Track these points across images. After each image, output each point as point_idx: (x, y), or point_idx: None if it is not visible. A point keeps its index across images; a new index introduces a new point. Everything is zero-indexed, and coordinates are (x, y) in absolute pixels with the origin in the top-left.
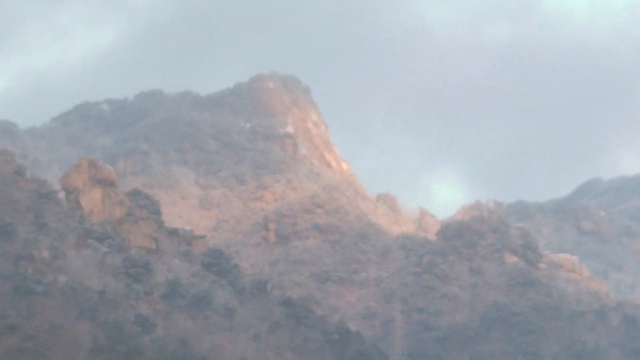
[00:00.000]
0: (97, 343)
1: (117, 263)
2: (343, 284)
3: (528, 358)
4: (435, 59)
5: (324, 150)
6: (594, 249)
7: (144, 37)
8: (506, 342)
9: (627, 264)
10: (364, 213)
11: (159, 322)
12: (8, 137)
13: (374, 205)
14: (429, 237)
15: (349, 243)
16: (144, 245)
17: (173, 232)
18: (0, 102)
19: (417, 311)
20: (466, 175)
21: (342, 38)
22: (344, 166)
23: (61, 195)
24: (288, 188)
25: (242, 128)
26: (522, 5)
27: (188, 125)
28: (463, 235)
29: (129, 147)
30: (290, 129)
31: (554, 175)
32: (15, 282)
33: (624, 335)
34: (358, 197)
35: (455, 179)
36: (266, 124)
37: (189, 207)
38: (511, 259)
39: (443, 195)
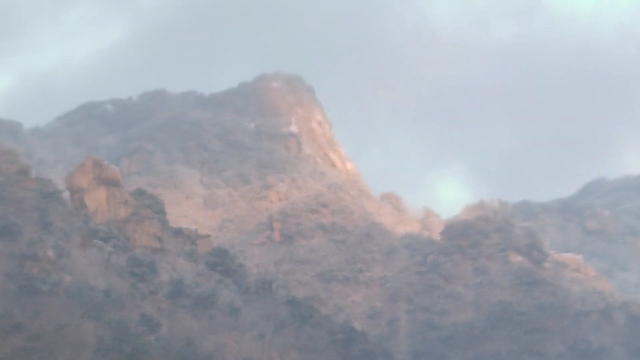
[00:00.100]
0: (102, 342)
1: (122, 262)
2: (348, 283)
3: (533, 357)
4: (439, 58)
5: (329, 149)
6: (598, 249)
7: (148, 37)
8: (511, 341)
9: (632, 263)
10: (369, 212)
11: (164, 321)
12: (12, 137)
13: (379, 204)
14: (434, 236)
15: (353, 242)
16: (148, 244)
17: (178, 232)
18: (4, 102)
19: (422, 310)
20: (471, 175)
21: (346, 37)
22: (349, 166)
23: (66, 194)
24: (292, 187)
25: (246, 127)
26: (526, 5)
27: (192, 124)
28: (468, 235)
29: (133, 147)
30: (294, 129)
31: (559, 174)
32: (20, 281)
33: (629, 334)
34: (363, 196)
35: (460, 178)
36: (270, 124)
37: (194, 206)
38: (516, 259)
39: (448, 195)
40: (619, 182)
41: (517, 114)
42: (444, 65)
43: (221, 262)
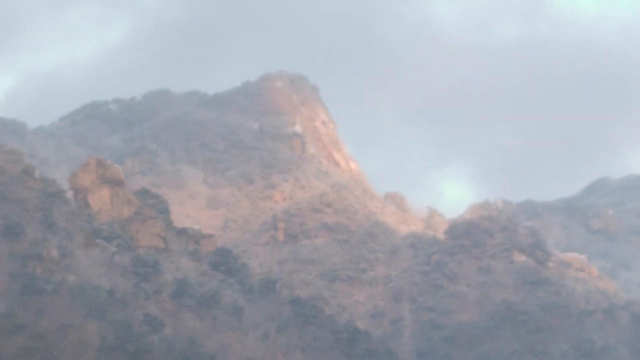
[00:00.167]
0: (106, 342)
1: (125, 262)
2: (352, 283)
3: (537, 357)
4: (443, 58)
5: (332, 149)
6: (602, 248)
7: (152, 36)
8: (515, 340)
9: (635, 262)
10: (373, 212)
11: (168, 321)
12: (16, 137)
13: (383, 204)
14: (438, 236)
15: (357, 242)
16: (152, 244)
17: (181, 231)
18: (8, 102)
19: (426, 310)
20: (474, 174)
21: (350, 37)
22: (353, 165)
23: (69, 194)
24: (296, 187)
25: (250, 127)
26: (529, 5)
27: (196, 124)
28: (471, 234)
29: (136, 147)
30: (298, 128)
31: (563, 174)
32: (24, 281)
33: (632, 333)
34: (366, 196)
35: (464, 178)
36: (274, 123)
37: (197, 206)
38: (520, 258)
39: (451, 194)
40: (622, 181)
41: (520, 113)
42: (448, 65)
43: (225, 262)
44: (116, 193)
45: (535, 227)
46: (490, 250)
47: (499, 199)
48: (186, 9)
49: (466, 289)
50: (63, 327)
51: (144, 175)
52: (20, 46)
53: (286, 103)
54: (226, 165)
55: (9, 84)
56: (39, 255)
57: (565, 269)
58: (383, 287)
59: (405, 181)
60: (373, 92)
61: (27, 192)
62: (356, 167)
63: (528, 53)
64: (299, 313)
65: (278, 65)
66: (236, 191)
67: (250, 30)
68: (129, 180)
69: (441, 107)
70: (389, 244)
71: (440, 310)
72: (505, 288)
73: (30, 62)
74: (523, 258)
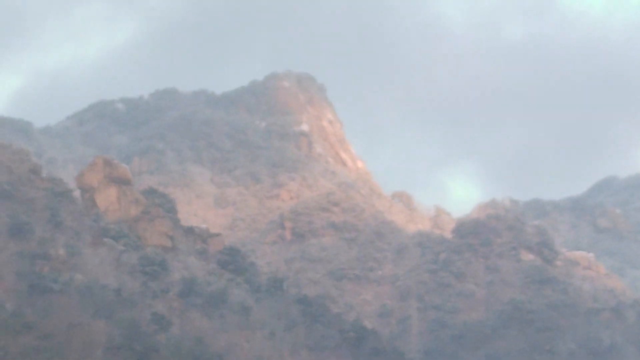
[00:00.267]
0: (113, 341)
1: (133, 261)
2: (359, 281)
3: (544, 355)
4: (450, 57)
5: (339, 148)
6: (610, 247)
7: (159, 35)
8: (522, 339)
9: None
10: (380, 211)
11: (175, 320)
12: (23, 136)
13: (390, 203)
14: (445, 234)
15: (364, 241)
16: (159, 243)
17: (189, 231)
18: (15, 101)
19: (433, 309)
20: (482, 173)
21: (357, 36)
22: (360, 164)
23: (77, 193)
24: (303, 186)
25: (257, 126)
26: (537, 4)
27: (203, 123)
28: (479, 233)
29: (144, 146)
30: (305, 127)
31: (570, 172)
32: (32, 280)
33: None
34: (374, 195)
35: (471, 176)
36: (281, 123)
37: (205, 205)
38: (527, 257)
39: (459, 193)
40: (629, 180)
41: (527, 112)
42: (454, 64)
43: (232, 261)
44: (123, 192)
45: (542, 225)
46: (497, 249)
47: (506, 198)
48: (193, 8)
49: (473, 288)
50: (71, 326)
51: (151, 174)
52: (27, 46)
53: (293, 102)
54: (233, 165)
55: (16, 83)
56: (46, 255)
57: (572, 268)
58: (390, 285)
59: (412, 180)
60: (380, 91)
61: (34, 192)
62: (363, 166)
63: (535, 52)
64: (306, 312)
65: (285, 65)
66: (243, 190)
67: (258, 30)
68: (136, 179)
69: (448, 106)
70: (396, 243)
71: (447, 309)
72: (512, 287)
73: (37, 62)
74: (530, 257)
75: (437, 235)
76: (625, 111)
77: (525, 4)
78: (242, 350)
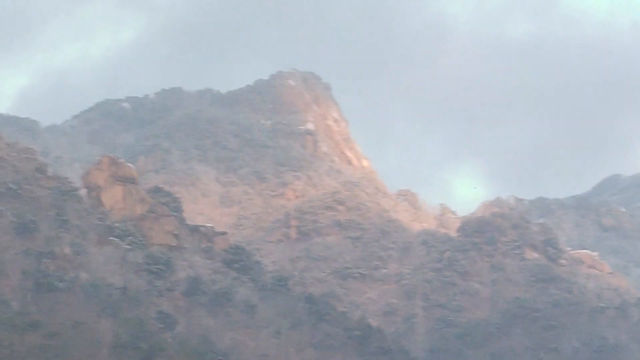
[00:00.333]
0: (119, 340)
1: (138, 260)
2: (364, 280)
3: (548, 354)
4: (456, 55)
5: (345, 147)
6: (614, 245)
7: (165, 34)
8: (527, 338)
9: None
10: (385, 209)
11: (181, 318)
12: (29, 135)
13: (395, 201)
14: (450, 233)
15: (369, 239)
16: (165, 242)
17: (194, 229)
18: (21, 100)
19: (438, 307)
20: (487, 172)
21: (362, 35)
22: (365, 163)
23: (82, 192)
24: (309, 185)
25: (262, 125)
26: (542, 3)
27: (208, 122)
28: (484, 232)
29: (149, 145)
30: (310, 126)
31: (575, 171)
32: (37, 279)
33: None
34: (379, 193)
35: (476, 175)
36: (287, 121)
37: (210, 204)
38: (532, 255)
39: (464, 192)
40: (634, 178)
41: (532, 111)
42: (459, 63)
43: (238, 260)
44: (129, 191)
45: (547, 224)
46: (502, 247)
47: (511, 196)
48: (198, 7)
49: (478, 286)
50: (76, 324)
51: (157, 173)
52: (33, 45)
53: (299, 101)
54: (239, 163)
55: (23, 82)
56: (52, 253)
57: (577, 266)
58: (395, 284)
59: (417, 179)
60: (385, 90)
61: (40, 190)
62: (368, 164)
63: (539, 51)
64: (311, 310)
65: (290, 63)
66: (249, 189)
67: (263, 28)
68: (142, 178)
69: (453, 104)
70: (401, 242)
71: (452, 308)
72: (517, 285)
73: (43, 61)
74: (535, 255)
75: (442, 234)
76: (629, 109)
77: (530, 4)
78: (248, 348)
